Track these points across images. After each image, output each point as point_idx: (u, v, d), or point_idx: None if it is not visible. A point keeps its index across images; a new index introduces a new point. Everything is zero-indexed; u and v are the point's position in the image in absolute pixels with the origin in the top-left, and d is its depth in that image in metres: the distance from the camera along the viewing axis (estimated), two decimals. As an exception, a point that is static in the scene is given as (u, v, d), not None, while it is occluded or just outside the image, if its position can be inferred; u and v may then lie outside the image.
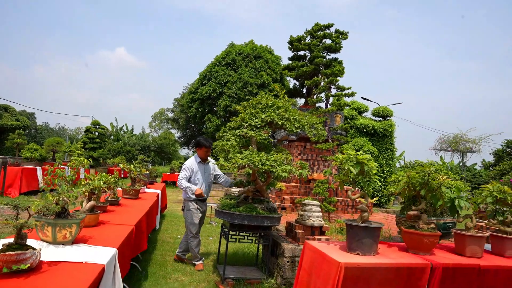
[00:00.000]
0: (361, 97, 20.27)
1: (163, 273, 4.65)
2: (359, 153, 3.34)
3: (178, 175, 5.02)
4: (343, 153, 3.35)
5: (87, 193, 3.37)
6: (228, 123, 4.27)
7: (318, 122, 4.30)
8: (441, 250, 3.49)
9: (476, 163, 29.20)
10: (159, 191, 7.13)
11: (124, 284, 3.82)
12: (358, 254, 3.09)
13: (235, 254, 5.66)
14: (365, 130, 13.37)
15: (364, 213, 3.23)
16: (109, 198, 4.81)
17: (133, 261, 4.63)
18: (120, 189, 5.87)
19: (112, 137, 38.47)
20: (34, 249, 1.99)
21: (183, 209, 5.11)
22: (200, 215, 5.05)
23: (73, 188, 2.60)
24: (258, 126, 4.01)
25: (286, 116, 4.09)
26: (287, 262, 4.30)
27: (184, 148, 45.09)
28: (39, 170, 11.18)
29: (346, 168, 3.25)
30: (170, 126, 51.39)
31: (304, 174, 3.64)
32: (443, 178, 3.31)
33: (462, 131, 28.80)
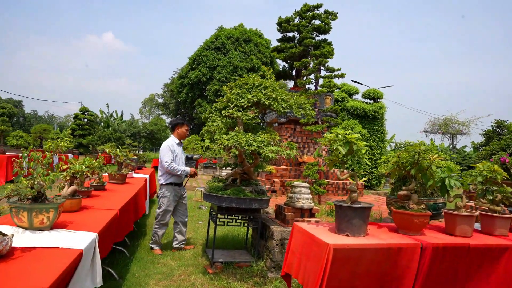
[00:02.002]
0: (352, 80, 20.17)
1: (151, 258, 4.58)
2: (348, 132, 3.25)
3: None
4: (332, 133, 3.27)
5: (68, 178, 3.25)
6: (214, 104, 4.15)
7: (306, 102, 4.19)
8: (431, 230, 3.46)
9: (465, 146, 29.50)
10: (147, 176, 7.02)
11: (110, 269, 3.76)
12: (347, 235, 3.03)
13: (225, 238, 5.61)
14: (355, 113, 13.32)
15: (353, 194, 3.17)
16: (94, 183, 4.69)
17: (120, 246, 4.56)
18: (106, 174, 5.75)
19: (102, 123, 38.00)
20: (4, 235, 1.88)
21: (158, 195, 4.98)
22: (177, 201, 4.97)
23: (50, 172, 2.47)
24: (245, 106, 3.89)
25: (273, 96, 3.97)
26: (276, 245, 4.25)
27: (175, 134, 44.79)
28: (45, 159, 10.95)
29: (334, 147, 3.16)
30: (160, 112, 50.98)
31: (292, 154, 3.56)
32: (434, 157, 3.25)
33: (452, 114, 28.96)
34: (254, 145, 3.48)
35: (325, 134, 3.24)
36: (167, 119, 46.62)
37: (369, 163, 3.70)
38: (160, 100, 48.14)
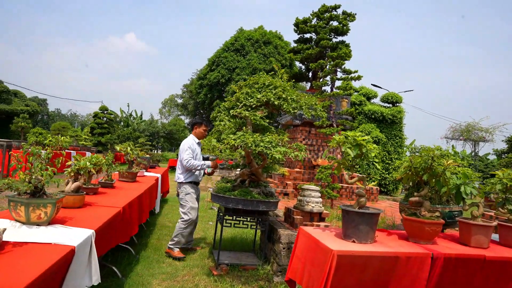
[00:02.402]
0: (371, 84, 19.79)
1: (157, 257, 4.54)
2: (357, 134, 3.13)
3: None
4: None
5: (72, 174, 3.23)
6: (222, 103, 4.08)
7: (317, 103, 4.08)
8: (444, 240, 3.29)
9: (489, 153, 28.56)
10: (159, 175, 7.01)
11: (114, 267, 3.73)
12: (353, 241, 2.91)
13: (233, 240, 5.53)
14: (373, 117, 13.04)
15: (361, 198, 3.04)
16: (103, 181, 4.69)
17: (127, 244, 4.54)
18: (117, 172, 5.77)
19: (122, 123, 38.60)
20: (-5, 229, 1.85)
21: (178, 195, 4.87)
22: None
23: (48, 167, 2.45)
24: (254, 106, 3.81)
25: (283, 96, 3.88)
26: (283, 248, 4.14)
27: (193, 135, 45.06)
28: (43, 154, 11.17)
29: (343, 150, 3.04)
30: (179, 113, 51.44)
31: (300, 156, 3.45)
32: (448, 162, 3.09)
33: (475, 120, 28.09)
34: (261, 146, 3.39)
35: (334, 136, 3.12)
36: (186, 120, 46.98)
37: (379, 167, 3.55)
38: (179, 101, 48.59)
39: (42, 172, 2.36)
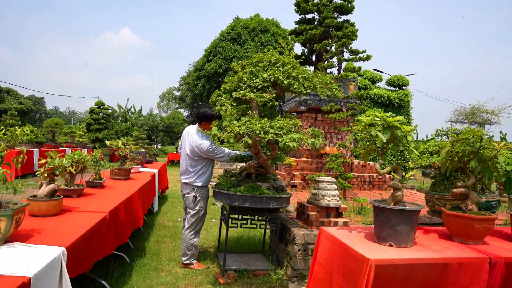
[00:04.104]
0: (373, 69, 19.17)
1: (155, 264, 4.02)
2: (388, 114, 2.57)
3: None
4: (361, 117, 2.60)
5: (46, 175, 2.68)
6: (223, 85, 3.51)
7: (331, 81, 3.51)
8: (493, 238, 2.75)
9: (493, 136, 27.97)
10: (156, 171, 6.46)
11: (104, 282, 3.19)
12: (390, 245, 2.38)
13: (239, 240, 5.01)
14: (379, 101, 12.45)
15: (397, 192, 2.49)
16: (90, 180, 4.15)
17: (121, 250, 4.01)
18: (108, 169, 5.21)
19: (120, 118, 37.94)
20: None
21: (195, 200, 3.92)
22: None
23: (1, 168, 1.90)
24: (259, 87, 3.24)
25: (294, 74, 3.31)
26: (299, 250, 3.61)
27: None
28: (35, 152, 10.62)
29: (373, 134, 2.49)
30: (177, 106, 50.78)
31: (318, 144, 2.90)
32: (500, 145, 2.54)
33: (479, 102, 27.39)
34: (271, 133, 2.83)
35: (359, 117, 2.57)
36: (185, 113, 46.31)
37: (416, 153, 3.10)
38: (177, 94, 47.89)
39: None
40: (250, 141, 2.80)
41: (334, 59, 7.36)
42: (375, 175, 7.77)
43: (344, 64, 7.35)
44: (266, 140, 2.84)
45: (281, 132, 2.90)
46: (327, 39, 7.80)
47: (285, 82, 3.22)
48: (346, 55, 7.48)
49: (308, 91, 3.28)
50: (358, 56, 7.24)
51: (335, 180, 4.14)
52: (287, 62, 3.39)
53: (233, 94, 3.22)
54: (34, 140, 11.28)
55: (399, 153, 2.49)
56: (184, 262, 3.96)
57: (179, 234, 5.25)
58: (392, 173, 2.54)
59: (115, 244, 3.02)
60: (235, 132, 2.84)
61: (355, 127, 2.62)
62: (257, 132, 2.80)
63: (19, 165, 2.24)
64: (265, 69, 3.41)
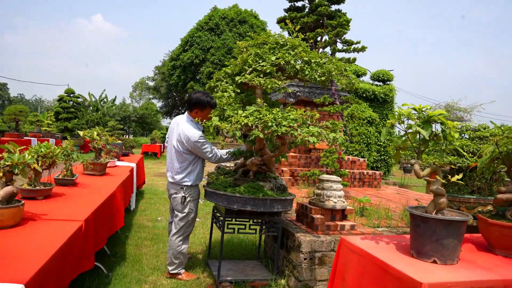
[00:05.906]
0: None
1: (136, 275, 3.48)
2: (427, 106, 2.16)
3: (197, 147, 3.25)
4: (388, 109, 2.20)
5: (1, 175, 2.11)
6: (224, 68, 3.00)
7: (345, 68, 3.08)
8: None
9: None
10: (133, 165, 5.87)
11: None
12: (434, 261, 1.98)
13: (230, 242, 4.54)
14: (364, 95, 12.21)
15: (440, 199, 2.09)
16: (60, 177, 3.56)
17: (97, 258, 3.45)
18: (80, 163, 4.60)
19: (91, 107, 36.44)
20: None
21: (184, 201, 3.41)
22: None
23: None
24: (267, 71, 2.76)
25: (306, 58, 2.85)
26: (305, 259, 3.19)
27: (166, 118, 43.35)
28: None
29: (413, 129, 2.07)
30: (151, 96, 49.40)
31: (340, 139, 2.46)
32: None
33: (453, 100, 27.98)
34: (284, 125, 2.37)
35: (394, 109, 2.14)
36: (158, 103, 45.10)
37: (462, 151, 2.79)
38: (151, 84, 46.53)
39: None
40: (261, 135, 2.32)
41: (328, 49, 6.97)
42: (365, 171, 7.47)
43: (339, 56, 6.96)
44: (280, 133, 2.37)
45: (295, 124, 2.43)
46: (320, 28, 7.39)
47: (297, 66, 2.75)
48: (340, 46, 7.10)
49: (323, 78, 2.83)
50: (352, 47, 6.87)
51: (341, 180, 3.74)
52: (298, 44, 2.93)
53: (237, 78, 2.73)
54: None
55: (442, 152, 2.12)
56: (171, 271, 3.44)
57: (161, 236, 4.72)
58: (436, 176, 2.13)
59: (92, 257, 2.47)
60: (242, 123, 2.35)
61: (388, 120, 2.20)
62: (269, 124, 2.33)
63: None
64: (272, 51, 2.93)
